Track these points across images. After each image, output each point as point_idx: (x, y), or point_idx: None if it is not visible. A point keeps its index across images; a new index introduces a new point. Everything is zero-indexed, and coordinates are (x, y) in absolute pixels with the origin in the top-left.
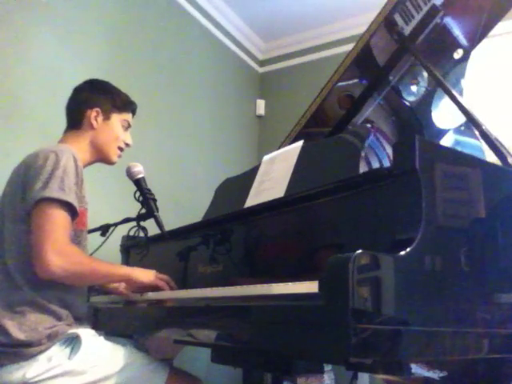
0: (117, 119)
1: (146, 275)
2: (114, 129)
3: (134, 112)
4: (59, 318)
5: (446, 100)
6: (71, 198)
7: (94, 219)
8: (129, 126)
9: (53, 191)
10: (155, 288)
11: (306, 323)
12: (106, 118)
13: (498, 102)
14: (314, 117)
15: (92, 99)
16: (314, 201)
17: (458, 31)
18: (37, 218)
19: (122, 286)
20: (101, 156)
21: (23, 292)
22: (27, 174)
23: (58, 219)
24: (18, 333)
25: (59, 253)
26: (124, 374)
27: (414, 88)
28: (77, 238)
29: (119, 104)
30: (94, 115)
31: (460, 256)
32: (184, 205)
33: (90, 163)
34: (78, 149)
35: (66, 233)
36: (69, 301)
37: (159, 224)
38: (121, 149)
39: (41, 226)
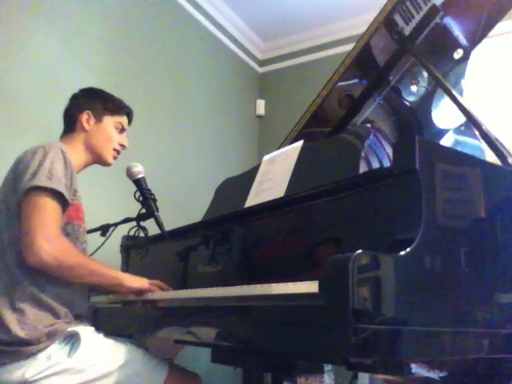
0: (109, 121)
1: (136, 281)
2: (106, 130)
3: (129, 116)
4: (58, 316)
5: (446, 100)
6: (60, 187)
7: (94, 219)
8: (123, 128)
9: (41, 180)
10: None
11: (306, 323)
12: (98, 120)
13: (498, 101)
14: (314, 117)
15: (84, 103)
16: (313, 201)
17: (458, 31)
18: (26, 207)
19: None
20: (96, 157)
21: (23, 287)
22: (17, 169)
23: (48, 208)
24: (18, 330)
25: (50, 240)
26: (124, 371)
27: (414, 88)
28: (74, 233)
29: (111, 107)
30: (85, 118)
31: (460, 256)
32: (184, 205)
33: (86, 165)
34: (73, 151)
35: (57, 222)
36: (68, 298)
37: (159, 224)
38: (116, 150)
39: (31, 215)
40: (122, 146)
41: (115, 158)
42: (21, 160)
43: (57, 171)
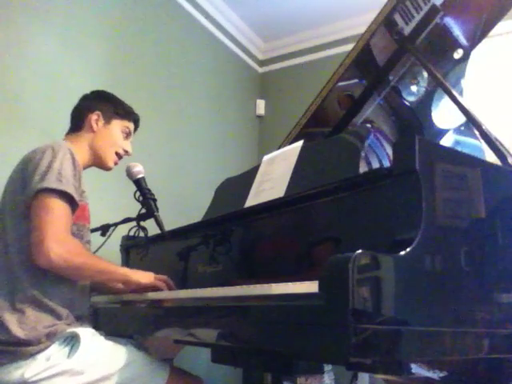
0: (117, 125)
1: (144, 277)
2: (113, 134)
3: (136, 123)
4: (59, 317)
5: (446, 100)
6: (69, 189)
7: (94, 219)
8: (129, 133)
9: (50, 182)
10: (153, 289)
11: (306, 323)
12: (107, 122)
13: (498, 101)
14: (314, 117)
15: (94, 104)
16: (313, 201)
17: (458, 31)
18: (36, 208)
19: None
20: (96, 160)
21: (25, 289)
22: (26, 169)
23: (58, 209)
24: (18, 330)
25: (59, 241)
26: (124, 373)
27: (414, 88)
28: (79, 233)
29: (121, 111)
30: (94, 118)
31: (460, 256)
32: (184, 205)
33: (86, 167)
34: (77, 150)
35: (66, 223)
36: (70, 299)
37: (159, 224)
38: (119, 155)
39: (41, 216)
40: (126, 152)
41: (116, 163)
42: (30, 160)
43: (66, 172)
